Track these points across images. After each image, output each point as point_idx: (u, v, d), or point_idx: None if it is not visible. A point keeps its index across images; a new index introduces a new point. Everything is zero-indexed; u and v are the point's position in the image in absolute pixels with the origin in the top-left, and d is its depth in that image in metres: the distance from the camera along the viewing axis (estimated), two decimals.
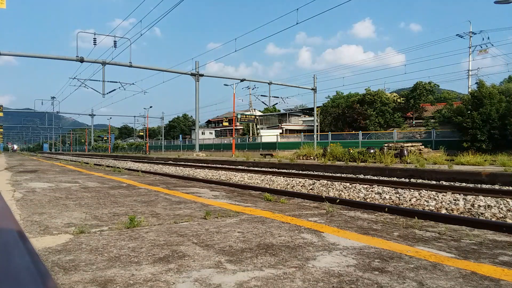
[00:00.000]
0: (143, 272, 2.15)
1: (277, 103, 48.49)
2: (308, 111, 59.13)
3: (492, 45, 42.81)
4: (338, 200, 6.01)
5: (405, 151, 18.00)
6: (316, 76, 33.12)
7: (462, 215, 6.33)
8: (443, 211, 6.65)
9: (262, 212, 4.14)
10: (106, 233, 3.15)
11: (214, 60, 39.38)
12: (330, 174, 13.65)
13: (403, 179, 11.69)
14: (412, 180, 11.31)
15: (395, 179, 11.60)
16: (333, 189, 9.67)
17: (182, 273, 2.14)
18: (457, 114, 26.36)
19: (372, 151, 19.13)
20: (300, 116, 61.94)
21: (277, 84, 33.41)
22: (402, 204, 7.50)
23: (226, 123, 47.25)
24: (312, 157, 22.29)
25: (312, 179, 11.55)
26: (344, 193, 9.00)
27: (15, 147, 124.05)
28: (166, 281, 1.99)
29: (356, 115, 42.40)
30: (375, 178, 11.64)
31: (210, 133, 75.41)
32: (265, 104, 39.67)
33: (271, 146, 37.58)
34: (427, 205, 7.17)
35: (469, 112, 25.50)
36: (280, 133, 46.54)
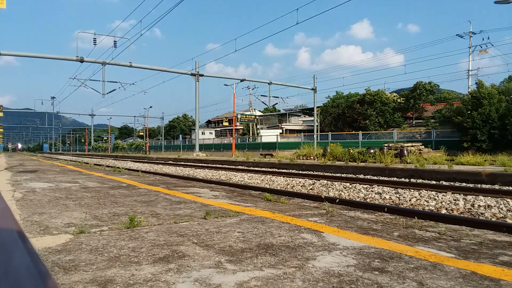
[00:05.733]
0: (143, 272, 2.15)
1: (277, 103, 48.56)
2: (308, 111, 59.14)
3: (492, 45, 42.85)
4: (338, 200, 6.00)
5: (405, 151, 18.00)
6: (316, 76, 33.14)
7: (462, 215, 6.33)
8: (443, 211, 6.65)
9: (262, 212, 4.14)
10: (106, 233, 3.15)
11: (214, 60, 39.45)
12: (330, 174, 13.65)
13: (403, 179, 11.69)
14: (412, 180, 11.31)
15: (395, 179, 11.59)
16: (333, 189, 9.67)
17: (182, 273, 2.14)
18: (457, 114, 26.36)
19: (372, 151, 19.13)
20: (300, 116, 61.94)
21: (277, 84, 33.42)
22: (402, 204, 7.50)
23: (226, 123, 47.27)
24: (312, 157, 22.28)
25: (312, 179, 11.55)
26: (344, 193, 9.00)
27: (19, 145, 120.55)
28: (166, 281, 1.99)
29: (356, 115, 42.40)
30: (375, 178, 11.64)
31: (210, 133, 75.42)
32: (265, 104, 39.70)
33: (271, 146, 37.59)
34: (427, 205, 7.16)
35: (469, 112, 25.50)
36: (280, 133, 46.54)
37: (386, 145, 20.89)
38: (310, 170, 15.79)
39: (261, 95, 36.31)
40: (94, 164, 17.99)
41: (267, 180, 12.32)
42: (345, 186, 9.91)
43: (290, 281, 1.99)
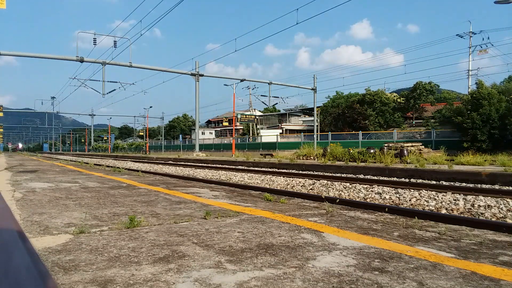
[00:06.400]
0: (143, 272, 2.15)
1: (277, 103, 48.53)
2: (308, 111, 59.14)
3: (492, 45, 42.86)
4: (338, 200, 6.00)
5: (405, 151, 18.00)
6: (316, 76, 33.14)
7: (462, 215, 6.33)
8: (443, 211, 6.65)
9: (262, 212, 4.14)
10: (106, 233, 3.15)
11: (214, 60, 39.52)
12: (330, 174, 13.65)
13: (403, 179, 11.69)
14: (412, 180, 11.31)
15: (395, 179, 11.59)
16: (333, 189, 9.67)
17: (182, 273, 2.14)
18: (457, 114, 26.37)
19: (372, 151, 19.13)
20: (300, 116, 61.94)
21: (277, 84, 33.41)
22: (402, 204, 7.50)
23: (226, 123, 47.27)
24: (312, 157, 22.28)
25: (312, 179, 11.55)
26: (344, 193, 9.00)
27: (20, 145, 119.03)
28: (166, 281, 1.99)
29: (356, 115, 42.40)
30: (375, 178, 11.64)
31: (210, 133, 75.41)
32: (265, 104, 39.68)
33: (271, 146, 37.59)
34: (427, 205, 7.16)
35: (468, 112, 25.51)
36: (280, 133, 46.54)
37: (386, 145, 20.89)
38: (310, 170, 15.79)
39: (261, 95, 36.33)
40: (94, 164, 17.99)
41: (267, 180, 12.32)
42: (345, 186, 9.91)
43: (290, 281, 1.99)
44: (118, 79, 31.74)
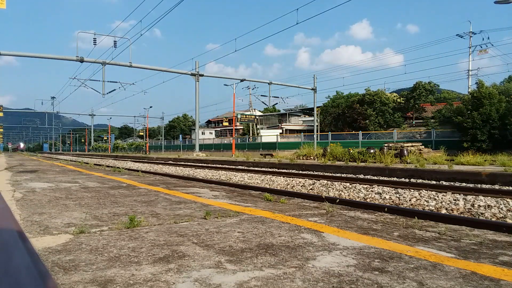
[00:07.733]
0: (143, 272, 2.15)
1: (277, 103, 48.54)
2: (308, 111, 59.13)
3: (492, 45, 42.87)
4: (338, 200, 6.00)
5: (405, 151, 18.00)
6: (316, 76, 33.13)
7: (462, 215, 6.33)
8: (443, 211, 6.64)
9: (262, 212, 4.14)
10: (106, 233, 3.15)
11: (214, 60, 39.51)
12: (330, 174, 13.64)
13: (403, 179, 11.68)
14: (412, 180, 11.30)
15: (395, 179, 11.59)
16: (333, 189, 9.67)
17: (182, 273, 2.14)
18: (457, 114, 26.36)
19: (372, 151, 19.13)
20: (300, 116, 61.94)
21: (277, 84, 33.40)
22: (402, 204, 7.50)
23: (226, 123, 47.25)
24: (312, 157, 22.28)
25: (312, 179, 11.55)
26: (344, 193, 9.00)
27: (21, 145, 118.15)
28: (166, 281, 1.99)
29: (356, 115, 42.40)
30: (375, 178, 11.64)
31: (210, 133, 75.42)
32: (265, 104, 39.67)
33: (271, 146, 37.59)
34: (427, 205, 7.16)
35: (469, 112, 25.50)
36: (280, 133, 46.54)
37: (386, 145, 20.89)
38: (310, 170, 15.79)
39: (261, 95, 36.31)
40: (94, 164, 17.99)
41: (267, 180, 12.32)
42: (345, 186, 9.91)
43: (290, 281, 1.99)
44: (118, 79, 31.77)
